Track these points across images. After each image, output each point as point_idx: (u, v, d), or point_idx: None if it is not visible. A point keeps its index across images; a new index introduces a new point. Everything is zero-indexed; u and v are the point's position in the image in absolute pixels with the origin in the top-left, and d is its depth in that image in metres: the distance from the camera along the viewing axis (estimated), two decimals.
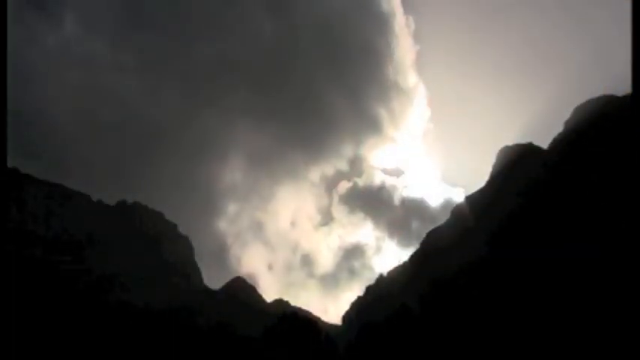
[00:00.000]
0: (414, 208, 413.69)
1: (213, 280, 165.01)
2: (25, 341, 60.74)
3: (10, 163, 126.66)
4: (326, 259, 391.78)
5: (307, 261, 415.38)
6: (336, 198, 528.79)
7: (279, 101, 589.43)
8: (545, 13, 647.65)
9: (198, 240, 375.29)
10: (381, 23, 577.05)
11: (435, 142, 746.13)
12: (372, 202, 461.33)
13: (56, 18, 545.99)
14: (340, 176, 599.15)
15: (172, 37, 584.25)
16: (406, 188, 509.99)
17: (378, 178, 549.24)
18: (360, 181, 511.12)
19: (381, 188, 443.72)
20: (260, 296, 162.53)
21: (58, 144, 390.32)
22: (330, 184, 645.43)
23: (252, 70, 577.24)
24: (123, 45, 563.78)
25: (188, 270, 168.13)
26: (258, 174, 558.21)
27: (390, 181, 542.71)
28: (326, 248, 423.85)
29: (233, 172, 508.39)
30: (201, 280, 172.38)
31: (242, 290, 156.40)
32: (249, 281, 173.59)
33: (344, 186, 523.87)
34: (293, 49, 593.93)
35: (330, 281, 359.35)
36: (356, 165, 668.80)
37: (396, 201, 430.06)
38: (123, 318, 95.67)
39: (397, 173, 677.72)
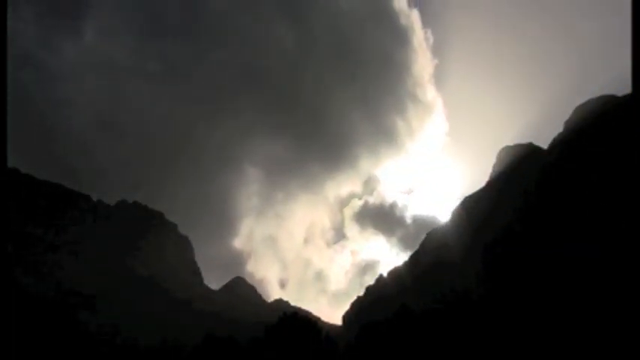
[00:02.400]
0: (425, 225, 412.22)
1: None
2: (25, 343, 60.71)
3: (12, 163, 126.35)
4: (338, 276, 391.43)
5: (320, 277, 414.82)
6: (348, 216, 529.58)
7: (296, 113, 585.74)
8: (547, 15, 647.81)
9: (213, 253, 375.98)
10: (399, 36, 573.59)
11: (451, 157, 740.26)
12: (384, 219, 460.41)
13: (77, 26, 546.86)
14: (353, 194, 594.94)
15: (189, 47, 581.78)
16: (418, 205, 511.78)
17: (390, 196, 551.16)
18: (372, 199, 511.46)
19: (393, 206, 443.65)
20: (260, 296, 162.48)
21: (73, 148, 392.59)
22: (344, 202, 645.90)
23: (269, 82, 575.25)
24: (140, 53, 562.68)
25: (188, 269, 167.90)
26: (274, 188, 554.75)
27: (401, 198, 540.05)
28: (338, 265, 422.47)
29: (249, 186, 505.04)
30: (201, 279, 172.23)
31: (242, 290, 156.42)
32: (249, 281, 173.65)
33: (356, 204, 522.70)
34: (311, 61, 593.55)
35: (343, 298, 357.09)
36: (369, 183, 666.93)
37: (408, 218, 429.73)
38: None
39: (409, 190, 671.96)
